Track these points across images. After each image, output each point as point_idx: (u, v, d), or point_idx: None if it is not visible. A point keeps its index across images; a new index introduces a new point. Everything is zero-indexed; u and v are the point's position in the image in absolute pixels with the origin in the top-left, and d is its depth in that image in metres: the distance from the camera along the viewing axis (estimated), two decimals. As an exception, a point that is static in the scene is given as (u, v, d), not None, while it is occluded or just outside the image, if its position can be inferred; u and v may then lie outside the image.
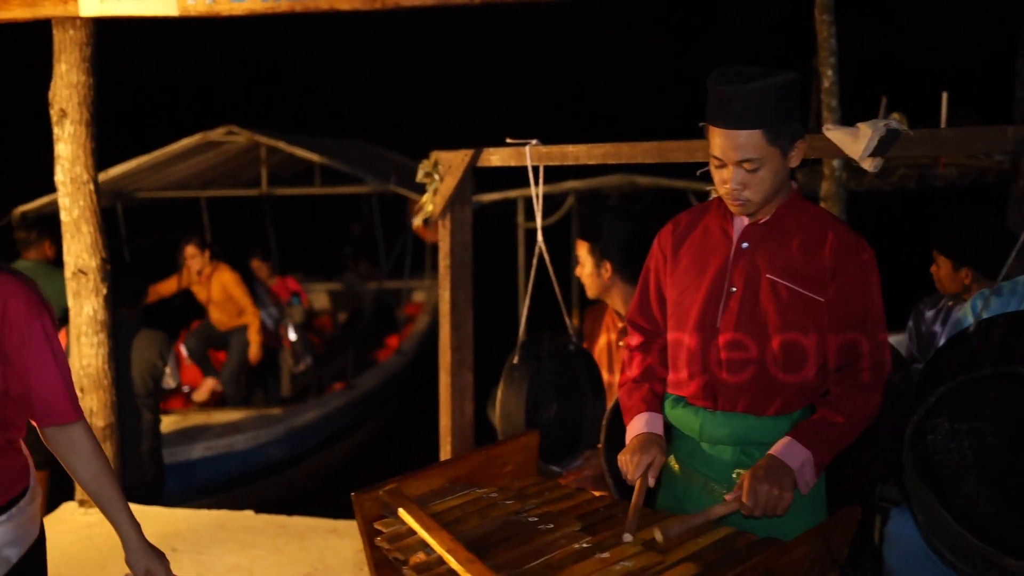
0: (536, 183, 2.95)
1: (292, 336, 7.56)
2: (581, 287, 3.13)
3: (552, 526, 1.96)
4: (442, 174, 3.15)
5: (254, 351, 6.88)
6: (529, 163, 2.93)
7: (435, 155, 3.18)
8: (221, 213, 11.00)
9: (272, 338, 7.90)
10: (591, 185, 7.37)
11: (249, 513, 4.32)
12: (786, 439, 1.99)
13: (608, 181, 7.67)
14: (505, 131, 3.15)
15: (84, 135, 4.07)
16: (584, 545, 1.86)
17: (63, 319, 5.21)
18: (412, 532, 1.95)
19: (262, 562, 3.77)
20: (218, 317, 7.10)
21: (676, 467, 2.20)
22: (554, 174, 3.12)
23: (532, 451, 2.38)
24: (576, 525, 1.96)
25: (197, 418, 6.46)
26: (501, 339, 3.70)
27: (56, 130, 4.07)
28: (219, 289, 7.04)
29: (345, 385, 7.25)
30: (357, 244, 11.79)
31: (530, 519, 2.01)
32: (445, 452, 3.37)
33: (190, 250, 6.89)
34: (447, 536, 1.84)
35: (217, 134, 7.17)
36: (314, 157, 7.28)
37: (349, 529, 4.09)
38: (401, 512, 1.99)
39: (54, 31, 4.01)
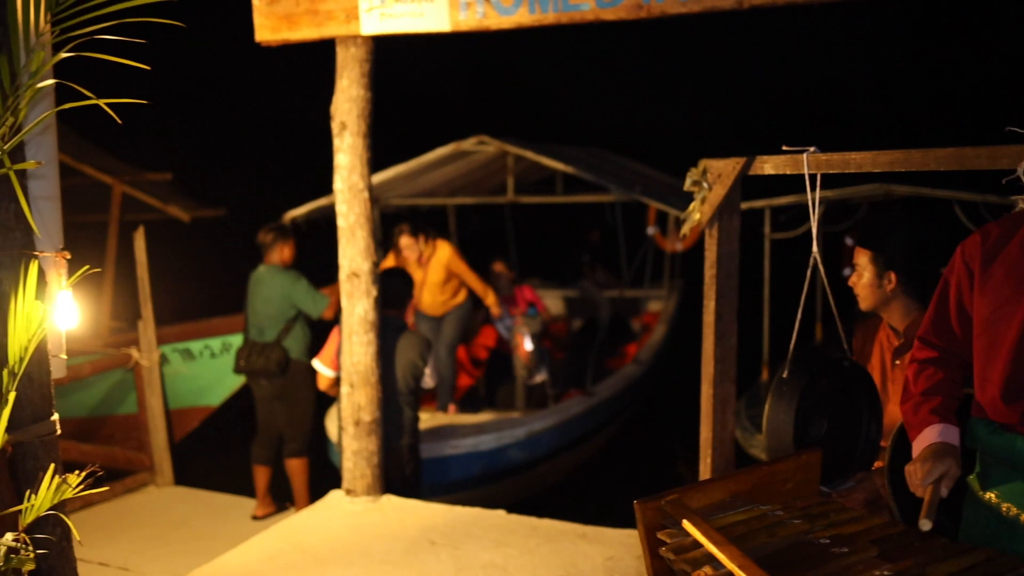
0: (813, 190, 2.84)
1: (528, 346, 7.58)
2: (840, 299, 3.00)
3: (846, 550, 1.88)
4: (711, 182, 3.10)
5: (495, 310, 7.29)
6: (807, 171, 2.82)
7: (704, 163, 3.14)
8: (466, 219, 11.43)
9: (505, 347, 8.07)
10: (843, 195, 7.02)
11: (501, 512, 4.44)
12: None
13: (859, 191, 7.29)
14: (742, 139, 3.09)
15: (361, 146, 4.34)
16: (885, 574, 1.76)
17: (293, 319, 5.59)
18: (697, 545, 1.93)
19: (515, 561, 3.86)
20: (429, 302, 7.08)
21: (986, 496, 2.05)
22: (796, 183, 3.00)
23: (814, 469, 2.30)
24: (872, 551, 1.87)
25: (443, 418, 6.72)
26: (743, 351, 3.60)
27: (336, 141, 4.37)
28: (438, 269, 7.00)
29: (582, 392, 7.29)
30: (594, 252, 11.88)
31: (821, 540, 1.93)
32: (705, 465, 3.31)
33: (405, 241, 6.86)
34: (737, 552, 1.80)
35: (468, 144, 7.43)
36: (560, 166, 7.38)
37: (598, 535, 4.11)
38: (686, 524, 1.96)
39: (337, 49, 4.30)
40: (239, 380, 6.30)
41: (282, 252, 5.72)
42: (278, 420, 5.74)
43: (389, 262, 6.85)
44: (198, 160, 19.01)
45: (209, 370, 6.77)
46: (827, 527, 2.01)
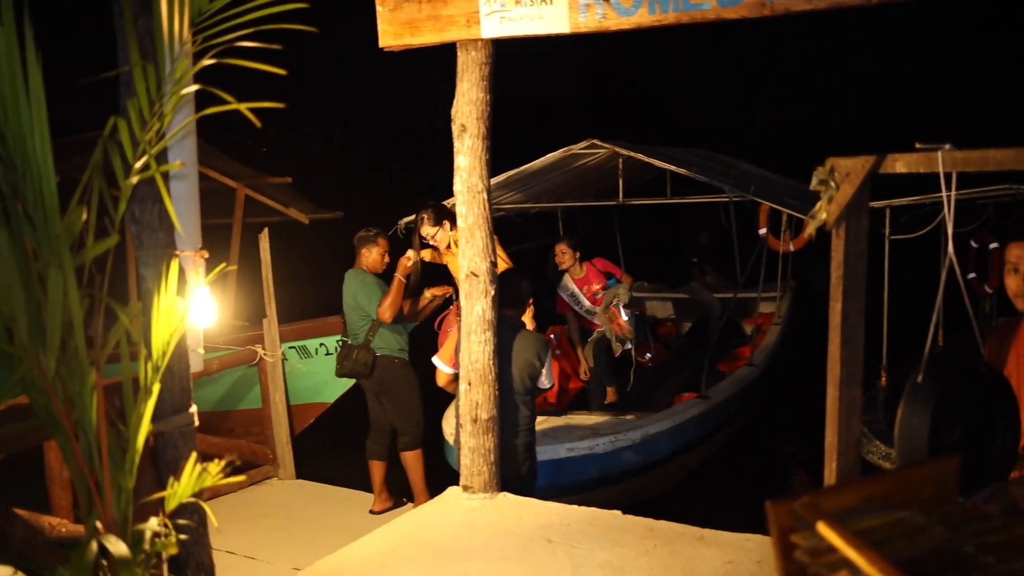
0: (948, 189, 2.76)
1: (625, 317, 7.39)
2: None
3: (992, 559, 1.81)
4: (838, 181, 3.03)
5: None
6: (941, 169, 2.74)
7: (831, 161, 3.08)
8: (573, 223, 11.43)
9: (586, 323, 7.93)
10: (973, 195, 6.78)
11: (617, 513, 4.43)
12: None
13: (990, 191, 7.02)
14: (857, 138, 3.03)
15: (480, 148, 4.40)
16: (1035, 584, 1.70)
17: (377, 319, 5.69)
18: (833, 548, 1.89)
19: (632, 562, 3.85)
20: None
21: None
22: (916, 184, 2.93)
23: (952, 477, 2.22)
24: (1020, 562, 1.80)
25: (557, 419, 6.75)
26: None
27: (456, 143, 4.44)
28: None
29: (696, 395, 7.21)
30: (703, 254, 11.74)
31: (964, 549, 1.87)
32: (830, 471, 3.24)
33: (428, 230, 6.50)
34: (878, 557, 1.76)
35: (580, 147, 7.44)
36: (673, 168, 7.33)
37: (716, 539, 4.07)
38: (821, 527, 1.93)
39: (458, 52, 4.37)
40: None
41: (368, 256, 5.87)
42: (387, 416, 5.87)
43: (426, 256, 6.63)
44: (316, 164, 19.56)
45: (325, 367, 6.97)
46: (970, 535, 1.95)
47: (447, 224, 6.05)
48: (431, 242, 6.18)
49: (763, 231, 11.47)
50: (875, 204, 6.92)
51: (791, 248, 10.72)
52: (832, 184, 3.05)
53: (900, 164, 2.92)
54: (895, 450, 2.86)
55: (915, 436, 2.75)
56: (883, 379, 7.49)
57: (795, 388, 9.10)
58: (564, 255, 7.88)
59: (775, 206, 7.00)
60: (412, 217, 7.79)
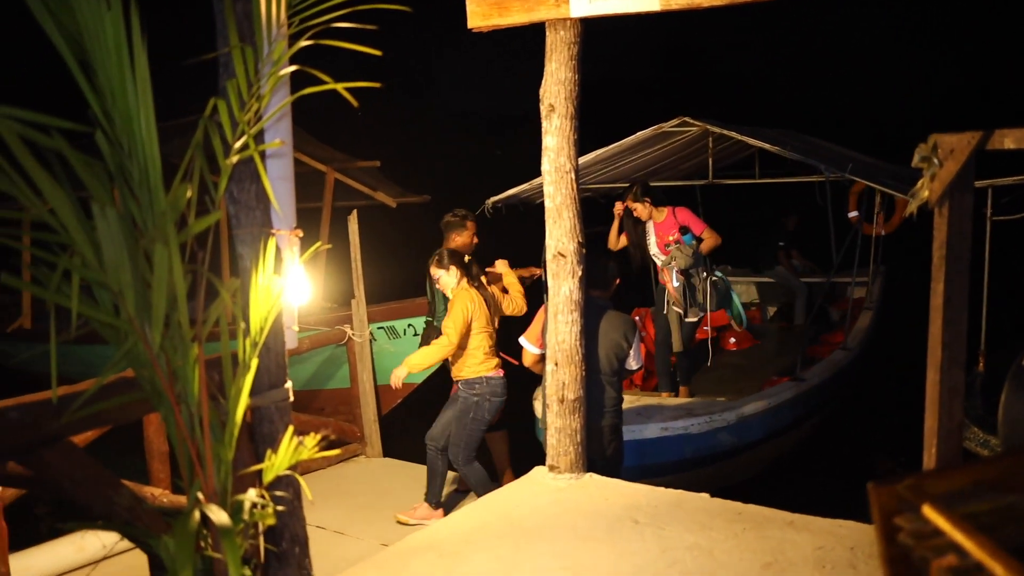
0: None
1: (675, 283, 6.94)
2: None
3: (1110, 546, 1.74)
4: (942, 158, 2.94)
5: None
6: (1054, 144, 2.63)
7: (934, 137, 2.98)
8: (659, 203, 11.28)
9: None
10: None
11: (705, 496, 4.39)
12: None
13: None
14: (947, 118, 2.93)
15: (568, 128, 4.39)
16: None
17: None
18: (939, 532, 1.84)
19: (722, 545, 3.81)
20: None
21: None
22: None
23: (1064, 462, 2.14)
24: None
25: (649, 400, 6.71)
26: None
27: (544, 124, 4.43)
28: None
29: (791, 378, 7.09)
30: (790, 238, 11.52)
31: (1078, 535, 1.80)
32: (929, 456, 3.15)
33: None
34: (988, 542, 1.71)
35: (670, 125, 7.34)
36: (767, 146, 7.17)
37: (807, 524, 4.00)
38: (927, 510, 1.88)
39: (547, 32, 4.36)
40: None
41: (456, 240, 5.90)
42: None
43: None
44: (402, 147, 19.76)
45: (412, 348, 7.05)
46: (1085, 522, 1.88)
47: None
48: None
49: (853, 214, 11.20)
50: (977, 184, 6.69)
51: (882, 232, 10.45)
52: (935, 161, 2.96)
53: (1009, 140, 2.81)
54: (999, 436, 2.77)
55: (1019, 420, 2.67)
56: (981, 364, 7.25)
57: (888, 374, 8.89)
58: (636, 210, 7.26)
59: (874, 185, 6.81)
60: (500, 196, 7.82)
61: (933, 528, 1.86)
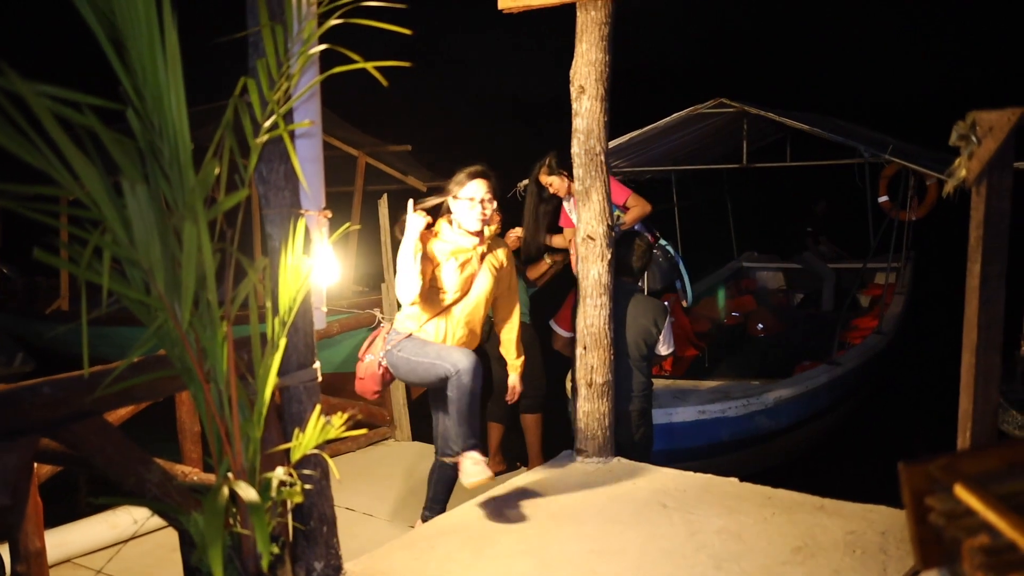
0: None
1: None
2: None
3: None
4: (980, 136, 2.88)
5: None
6: (1096, 122, 2.57)
7: (972, 115, 2.92)
8: (686, 189, 11.24)
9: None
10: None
11: (734, 480, 4.37)
12: None
13: None
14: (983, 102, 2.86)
15: (599, 110, 4.36)
16: None
17: None
18: (971, 512, 1.81)
19: (751, 529, 3.79)
20: None
21: None
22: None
23: (1102, 444, 2.10)
24: None
25: (684, 383, 6.68)
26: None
27: (574, 105, 4.41)
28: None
29: (826, 362, 7.03)
30: (820, 224, 11.44)
31: (1117, 518, 1.77)
32: (963, 439, 3.11)
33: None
34: (1022, 522, 1.68)
35: (707, 107, 7.28)
36: (807, 128, 7.09)
37: (838, 509, 3.97)
38: (959, 490, 1.85)
39: (577, 13, 4.33)
40: None
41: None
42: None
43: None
44: (432, 131, 19.78)
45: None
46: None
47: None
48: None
49: (884, 199, 11.09)
50: (1018, 165, 6.59)
51: (913, 217, 10.35)
52: (973, 139, 2.90)
53: (1048, 116, 2.75)
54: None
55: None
56: (1022, 348, 7.14)
57: (920, 359, 8.79)
58: (552, 185, 5.85)
59: (915, 167, 6.73)
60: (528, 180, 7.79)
61: (965, 508, 1.84)
